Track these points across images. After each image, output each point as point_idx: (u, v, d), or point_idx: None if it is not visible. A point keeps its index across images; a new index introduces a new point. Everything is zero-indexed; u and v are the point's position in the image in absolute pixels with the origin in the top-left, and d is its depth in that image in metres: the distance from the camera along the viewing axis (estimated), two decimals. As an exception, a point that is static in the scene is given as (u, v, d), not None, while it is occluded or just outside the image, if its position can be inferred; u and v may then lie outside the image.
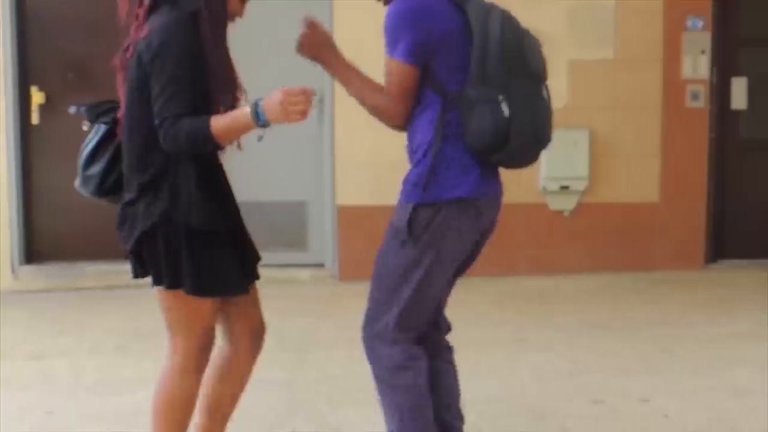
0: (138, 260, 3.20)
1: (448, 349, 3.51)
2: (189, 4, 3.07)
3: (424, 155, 3.13)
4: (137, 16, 3.12)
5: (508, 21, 3.07)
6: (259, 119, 2.99)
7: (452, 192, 3.13)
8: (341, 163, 7.47)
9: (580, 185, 7.59)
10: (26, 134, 7.41)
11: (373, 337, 3.28)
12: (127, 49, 3.15)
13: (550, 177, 7.54)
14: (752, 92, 7.81)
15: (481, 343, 5.52)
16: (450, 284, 3.40)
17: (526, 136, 3.07)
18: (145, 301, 6.85)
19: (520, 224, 7.51)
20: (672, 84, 7.63)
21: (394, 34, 3.08)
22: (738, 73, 7.82)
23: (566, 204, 7.64)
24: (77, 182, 3.32)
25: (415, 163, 3.18)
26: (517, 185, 7.45)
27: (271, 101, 2.97)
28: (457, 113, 3.10)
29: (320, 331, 5.94)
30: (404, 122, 3.19)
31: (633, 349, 5.59)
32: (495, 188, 3.26)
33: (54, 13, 7.47)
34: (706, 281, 7.42)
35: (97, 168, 3.24)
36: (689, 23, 7.60)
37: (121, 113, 3.20)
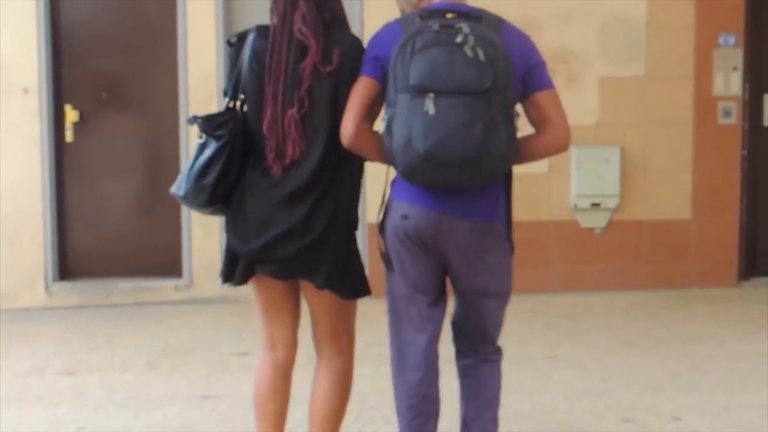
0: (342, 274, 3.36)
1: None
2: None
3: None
4: (319, 33, 3.29)
5: (408, 39, 3.13)
6: None
7: (394, 194, 3.37)
8: (371, 181, 7.48)
9: (612, 202, 7.56)
10: (60, 152, 7.47)
11: None
12: (319, 63, 3.27)
13: (581, 194, 7.52)
14: (785, 109, 7.77)
15: (512, 360, 5.44)
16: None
17: (400, 148, 3.12)
18: (174, 317, 6.95)
19: (551, 241, 7.49)
20: (704, 100, 7.59)
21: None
22: (770, 90, 7.78)
23: (597, 221, 7.61)
24: (183, 192, 3.37)
25: None
26: (547, 203, 7.50)
27: None
28: None
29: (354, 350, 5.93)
30: None
31: (664, 366, 5.56)
32: (437, 205, 3.27)
33: (88, 33, 7.55)
34: (739, 299, 7.36)
35: (210, 179, 3.31)
36: (721, 40, 7.56)
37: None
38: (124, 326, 6.72)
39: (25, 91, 7.33)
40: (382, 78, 3.25)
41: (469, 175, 3.13)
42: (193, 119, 3.38)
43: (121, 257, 7.55)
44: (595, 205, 7.55)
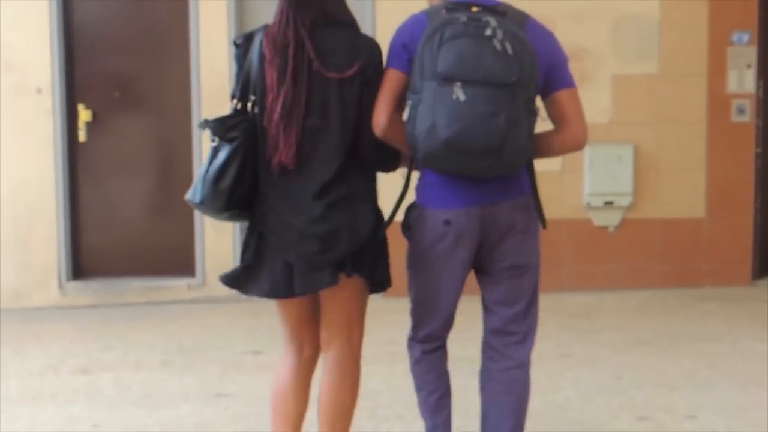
0: (357, 262, 3.35)
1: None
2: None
3: None
4: (313, 36, 3.27)
5: (437, 29, 3.15)
6: None
7: (424, 200, 3.39)
8: (379, 180, 7.48)
9: (625, 201, 7.54)
10: (73, 152, 7.50)
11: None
12: (321, 68, 3.26)
13: (594, 192, 7.50)
14: (799, 107, 7.73)
15: (525, 359, 5.49)
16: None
17: (423, 135, 3.13)
18: (188, 316, 6.96)
19: (564, 240, 7.47)
20: (717, 98, 7.56)
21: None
22: (785, 88, 7.76)
23: (611, 220, 7.60)
24: (200, 197, 3.27)
25: None
26: (560, 201, 7.48)
27: None
28: None
29: (362, 347, 5.94)
30: None
31: (678, 365, 5.54)
32: (475, 199, 3.30)
33: (101, 32, 7.57)
34: (753, 298, 7.33)
35: (226, 182, 3.25)
36: (735, 37, 7.53)
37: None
38: (138, 325, 6.73)
39: (38, 90, 7.36)
40: (409, 70, 3.28)
41: (489, 166, 3.15)
42: (205, 123, 3.32)
43: (134, 256, 7.56)
44: (608, 203, 7.53)
